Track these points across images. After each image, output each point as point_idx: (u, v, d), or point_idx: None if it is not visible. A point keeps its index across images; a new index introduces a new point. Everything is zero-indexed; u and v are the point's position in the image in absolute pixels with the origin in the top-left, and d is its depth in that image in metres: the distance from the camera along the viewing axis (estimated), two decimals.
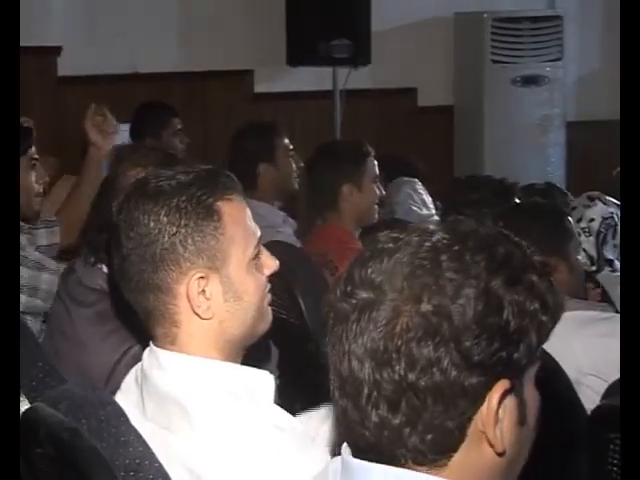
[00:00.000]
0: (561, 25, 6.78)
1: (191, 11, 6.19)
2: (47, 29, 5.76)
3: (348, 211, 3.70)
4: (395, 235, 1.21)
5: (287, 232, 4.04)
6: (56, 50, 5.82)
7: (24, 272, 3.07)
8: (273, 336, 1.98)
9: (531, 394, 1.24)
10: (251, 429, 1.66)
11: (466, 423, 1.17)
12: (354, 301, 1.17)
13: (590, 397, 2.40)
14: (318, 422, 1.81)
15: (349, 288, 1.18)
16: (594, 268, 3.52)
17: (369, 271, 1.18)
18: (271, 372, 1.80)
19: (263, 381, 1.76)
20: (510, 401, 1.19)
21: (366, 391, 1.16)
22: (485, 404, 1.17)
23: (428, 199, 4.99)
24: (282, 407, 1.72)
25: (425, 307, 1.15)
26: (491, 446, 1.19)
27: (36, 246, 3.28)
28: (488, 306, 1.16)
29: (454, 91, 6.91)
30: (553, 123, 6.83)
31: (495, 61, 6.68)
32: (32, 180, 3.33)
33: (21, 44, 5.60)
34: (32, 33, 5.62)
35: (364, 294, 1.17)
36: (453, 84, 6.90)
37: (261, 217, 3.73)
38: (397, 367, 1.15)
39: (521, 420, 1.21)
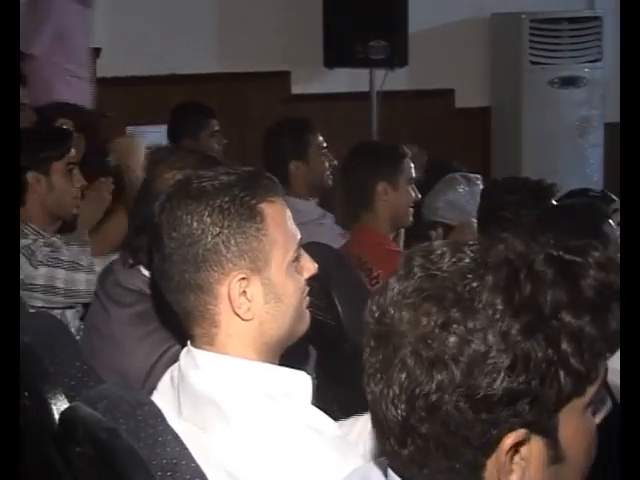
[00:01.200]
0: (600, 26, 6.74)
1: (228, 13, 6.21)
2: None
3: (383, 211, 3.67)
4: (424, 254, 1.15)
5: (329, 223, 4.03)
6: (95, 52, 5.85)
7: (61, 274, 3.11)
8: (310, 337, 1.98)
9: (573, 428, 1.13)
10: (288, 430, 1.65)
11: (479, 469, 1.11)
12: (378, 326, 1.15)
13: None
14: (348, 429, 1.81)
15: (377, 313, 1.15)
16: None
17: (393, 298, 1.13)
18: (308, 373, 1.80)
19: (300, 381, 1.76)
20: (535, 445, 1.11)
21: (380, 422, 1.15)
22: (497, 452, 1.10)
23: None
24: (319, 408, 1.73)
25: (426, 354, 1.10)
26: None
27: None
28: (495, 362, 1.07)
29: (492, 92, 6.88)
30: (592, 124, 6.78)
31: (533, 62, 6.65)
32: (68, 184, 3.35)
33: None
34: None
35: (384, 320, 1.14)
36: (491, 85, 6.87)
37: (302, 213, 3.75)
38: (399, 409, 1.12)
39: (554, 459, 1.12)
